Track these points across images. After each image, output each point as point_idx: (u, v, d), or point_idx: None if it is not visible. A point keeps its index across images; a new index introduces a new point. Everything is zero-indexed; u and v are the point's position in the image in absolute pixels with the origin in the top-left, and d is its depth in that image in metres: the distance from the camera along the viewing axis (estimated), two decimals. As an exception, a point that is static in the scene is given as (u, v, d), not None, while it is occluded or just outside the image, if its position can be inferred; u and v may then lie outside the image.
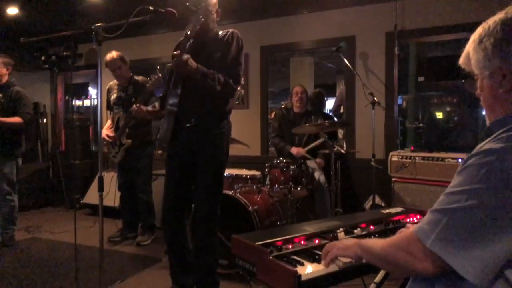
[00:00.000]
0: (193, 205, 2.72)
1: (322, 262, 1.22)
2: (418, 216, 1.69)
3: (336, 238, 1.41)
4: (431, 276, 0.94)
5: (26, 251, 3.69)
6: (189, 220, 2.83)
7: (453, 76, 4.51)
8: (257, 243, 1.29)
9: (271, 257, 1.21)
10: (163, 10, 2.11)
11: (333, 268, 1.19)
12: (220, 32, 2.51)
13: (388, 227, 1.56)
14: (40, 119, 6.06)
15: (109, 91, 4.01)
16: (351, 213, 2.11)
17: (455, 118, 6.14)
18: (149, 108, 3.12)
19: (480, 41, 0.98)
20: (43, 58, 5.40)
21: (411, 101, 5.68)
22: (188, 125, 2.44)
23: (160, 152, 3.77)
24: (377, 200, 3.79)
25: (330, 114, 5.46)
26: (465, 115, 6.00)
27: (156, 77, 3.13)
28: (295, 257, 1.26)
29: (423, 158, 3.47)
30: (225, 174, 2.65)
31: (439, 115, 6.21)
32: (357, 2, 4.19)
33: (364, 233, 1.48)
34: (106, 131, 3.86)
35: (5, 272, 3.16)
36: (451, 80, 4.93)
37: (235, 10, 4.41)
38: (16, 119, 3.63)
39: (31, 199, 5.46)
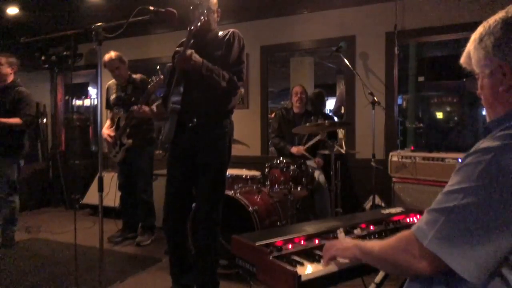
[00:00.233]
0: (193, 205, 2.72)
1: (322, 262, 1.22)
2: (418, 216, 1.69)
3: (336, 238, 1.41)
4: (429, 275, 0.94)
5: (26, 251, 3.69)
6: (189, 221, 2.83)
7: (453, 76, 4.51)
8: (257, 243, 1.29)
9: (271, 258, 1.21)
10: (163, 10, 2.11)
11: (333, 268, 1.19)
12: (220, 32, 2.51)
13: (388, 227, 1.56)
14: (40, 119, 6.06)
15: (108, 91, 4.01)
16: (351, 213, 2.11)
17: (455, 118, 6.14)
18: (153, 107, 3.13)
19: (481, 40, 0.99)
20: (43, 58, 5.40)
21: (411, 101, 5.68)
22: (191, 125, 2.43)
23: (160, 152, 3.79)
24: (377, 200, 3.79)
25: (330, 114, 5.46)
26: (465, 115, 6.00)
27: (157, 78, 3.13)
28: (295, 258, 1.26)
29: (423, 158, 3.46)
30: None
31: (439, 115, 6.21)
32: (357, 2, 4.19)
33: (364, 233, 1.48)
34: (107, 130, 3.86)
35: (5, 272, 3.16)
36: (451, 80, 4.93)
37: (235, 10, 4.41)
38: (15, 120, 3.61)
39: (31, 199, 5.46)
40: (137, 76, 3.91)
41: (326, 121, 3.46)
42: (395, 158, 3.63)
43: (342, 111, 5.37)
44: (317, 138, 3.53)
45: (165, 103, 2.54)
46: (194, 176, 2.50)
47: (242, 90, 4.80)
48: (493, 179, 0.85)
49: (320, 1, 4.22)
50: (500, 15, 0.97)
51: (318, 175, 3.71)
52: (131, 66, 4.02)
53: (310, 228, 1.47)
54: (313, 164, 3.75)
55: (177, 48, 2.46)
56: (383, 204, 3.80)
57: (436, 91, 6.13)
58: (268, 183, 3.34)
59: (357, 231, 1.48)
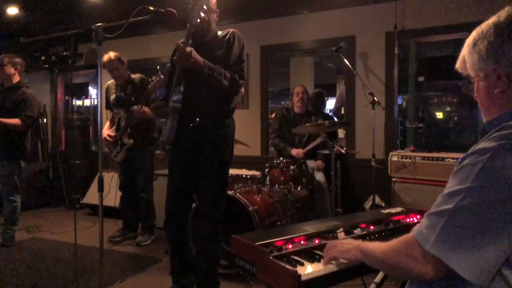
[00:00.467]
0: (193, 205, 2.72)
1: (322, 262, 1.22)
2: (418, 216, 1.69)
3: (336, 238, 1.41)
4: (433, 279, 0.93)
5: (26, 251, 3.69)
6: (190, 221, 2.83)
7: (453, 76, 4.49)
8: (257, 243, 1.29)
9: (271, 257, 1.21)
10: (163, 10, 2.11)
11: (333, 268, 1.19)
12: (220, 32, 2.51)
13: (388, 227, 1.56)
14: (40, 119, 6.06)
15: (107, 91, 4.00)
16: (351, 213, 2.11)
17: (455, 118, 6.14)
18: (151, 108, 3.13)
19: (475, 44, 1.01)
20: (43, 58, 5.40)
21: (411, 101, 5.68)
22: (192, 124, 2.42)
23: (161, 152, 3.79)
24: (377, 200, 3.79)
25: (331, 114, 5.46)
26: (465, 115, 6.00)
27: (158, 78, 3.12)
28: (295, 257, 1.25)
29: (423, 158, 3.47)
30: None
31: (439, 115, 6.21)
32: (357, 2, 4.19)
33: (364, 233, 1.48)
34: (107, 131, 3.86)
35: (5, 272, 3.16)
36: (451, 80, 4.93)
37: (235, 10, 4.41)
38: (15, 121, 3.60)
39: (31, 199, 5.45)
40: (136, 76, 3.91)
41: (326, 121, 3.47)
42: (395, 158, 3.63)
43: (342, 111, 5.37)
44: (317, 141, 3.53)
45: (167, 102, 2.53)
46: (195, 176, 2.49)
47: (243, 90, 4.80)
48: (490, 179, 0.86)
49: (320, 1, 4.22)
50: (492, 20, 0.99)
51: (318, 174, 3.71)
52: (131, 66, 4.02)
53: (310, 228, 1.47)
54: (313, 165, 3.75)
55: (178, 42, 2.45)
56: (383, 204, 3.80)
57: (436, 91, 6.12)
58: (268, 183, 3.34)
59: (357, 231, 1.48)
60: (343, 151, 3.63)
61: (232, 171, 3.47)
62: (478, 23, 1.03)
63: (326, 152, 3.54)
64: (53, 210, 5.50)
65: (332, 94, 8.28)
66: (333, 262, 1.20)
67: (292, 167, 3.24)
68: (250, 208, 2.91)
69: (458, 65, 1.10)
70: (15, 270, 3.19)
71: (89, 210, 5.16)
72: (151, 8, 2.07)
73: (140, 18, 2.08)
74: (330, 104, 7.17)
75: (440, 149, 3.63)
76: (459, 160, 0.96)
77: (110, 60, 3.75)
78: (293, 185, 3.18)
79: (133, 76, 3.90)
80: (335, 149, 3.35)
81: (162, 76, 3.08)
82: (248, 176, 3.40)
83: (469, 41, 1.04)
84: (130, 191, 3.97)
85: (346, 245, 1.20)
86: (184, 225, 2.58)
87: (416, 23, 4.03)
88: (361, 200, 4.11)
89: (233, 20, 4.71)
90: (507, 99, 0.97)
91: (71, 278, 2.96)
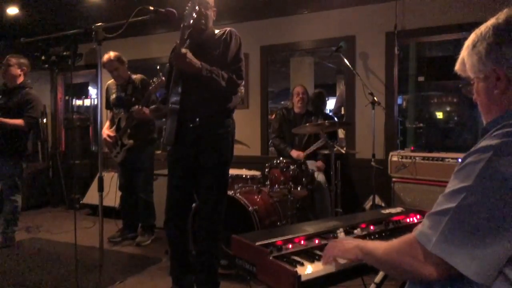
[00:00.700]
0: (193, 205, 2.71)
1: (322, 261, 1.22)
2: (418, 216, 1.68)
3: (336, 238, 1.41)
4: (436, 280, 0.93)
5: (26, 251, 3.69)
6: (191, 221, 2.83)
7: (453, 76, 4.49)
8: (257, 243, 1.29)
9: (271, 257, 1.21)
10: (163, 10, 2.11)
11: (333, 268, 1.19)
12: (216, 31, 2.51)
13: (388, 227, 1.56)
14: (40, 119, 6.06)
15: (107, 91, 4.00)
16: (351, 213, 2.12)
17: (455, 118, 6.14)
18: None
19: (474, 46, 1.02)
20: (43, 58, 5.39)
21: (411, 101, 5.69)
22: (192, 125, 2.41)
23: (161, 152, 3.79)
24: (377, 200, 3.79)
25: (331, 114, 5.46)
26: (465, 115, 6.00)
27: (159, 80, 3.12)
28: (295, 257, 1.26)
29: (423, 158, 3.46)
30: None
31: (439, 115, 6.21)
32: (357, 2, 4.19)
33: (364, 233, 1.48)
34: (107, 131, 3.85)
35: (5, 272, 3.16)
36: (451, 80, 4.92)
37: (235, 10, 4.41)
38: (18, 121, 3.61)
39: (31, 199, 5.46)
40: (137, 76, 3.91)
41: (326, 121, 3.46)
42: (395, 158, 3.62)
43: (342, 111, 5.37)
44: (318, 144, 3.53)
45: (165, 103, 2.53)
46: (195, 177, 2.49)
47: (243, 90, 4.81)
48: (493, 177, 0.85)
49: (320, 1, 4.22)
50: (491, 21, 1.00)
51: (318, 175, 3.71)
52: (131, 66, 4.02)
53: (310, 228, 1.47)
54: (313, 165, 3.75)
55: (177, 41, 2.45)
56: (383, 204, 3.80)
57: (436, 91, 6.13)
58: (268, 183, 3.34)
59: (357, 231, 1.48)
60: (343, 151, 3.63)
61: (232, 171, 3.46)
62: (478, 23, 1.04)
63: (326, 152, 3.54)
64: (53, 210, 5.50)
65: (332, 94, 8.29)
66: (333, 262, 1.20)
67: (292, 167, 3.24)
68: (250, 208, 2.91)
69: (457, 67, 1.10)
70: (15, 270, 3.19)
71: (89, 210, 5.16)
72: (151, 8, 2.07)
73: (140, 18, 2.08)
74: (330, 104, 7.17)
75: (440, 149, 3.62)
76: (461, 159, 0.96)
77: (109, 60, 3.74)
78: (293, 185, 3.18)
79: (134, 76, 3.90)
80: (335, 149, 3.35)
81: (163, 78, 3.07)
82: (248, 176, 3.40)
83: (468, 43, 1.05)
84: (130, 191, 3.96)
85: (346, 244, 1.20)
86: (184, 225, 2.58)
87: (416, 23, 4.02)
88: (361, 200, 4.11)
89: (233, 20, 4.71)
90: (507, 100, 0.97)
91: (71, 278, 2.95)
